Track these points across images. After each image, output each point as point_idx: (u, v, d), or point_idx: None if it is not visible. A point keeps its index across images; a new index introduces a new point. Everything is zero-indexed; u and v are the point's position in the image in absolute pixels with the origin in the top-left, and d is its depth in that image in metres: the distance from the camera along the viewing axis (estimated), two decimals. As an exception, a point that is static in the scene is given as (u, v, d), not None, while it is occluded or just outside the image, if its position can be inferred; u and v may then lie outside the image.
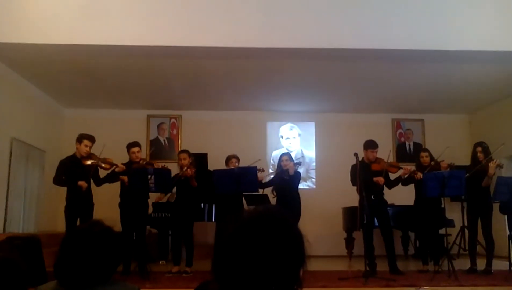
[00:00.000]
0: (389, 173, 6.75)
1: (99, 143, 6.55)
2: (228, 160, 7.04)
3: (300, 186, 7.41)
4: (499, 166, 6.46)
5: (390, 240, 6.54)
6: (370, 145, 6.68)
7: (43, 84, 8.45)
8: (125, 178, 6.49)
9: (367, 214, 6.17)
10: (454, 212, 8.43)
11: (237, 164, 6.92)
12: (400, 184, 6.82)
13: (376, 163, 6.59)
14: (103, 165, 6.55)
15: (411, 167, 6.94)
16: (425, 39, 6.34)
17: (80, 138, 6.49)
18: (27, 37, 6.16)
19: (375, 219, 6.59)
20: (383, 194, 6.66)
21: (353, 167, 6.43)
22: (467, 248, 6.72)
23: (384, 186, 6.62)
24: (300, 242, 1.18)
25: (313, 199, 9.03)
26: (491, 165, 6.37)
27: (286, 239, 1.15)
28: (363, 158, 6.66)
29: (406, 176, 6.71)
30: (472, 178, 6.38)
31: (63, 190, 6.49)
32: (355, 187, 6.34)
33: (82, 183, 6.31)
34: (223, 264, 1.15)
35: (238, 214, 1.21)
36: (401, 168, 6.76)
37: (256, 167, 6.47)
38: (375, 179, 6.43)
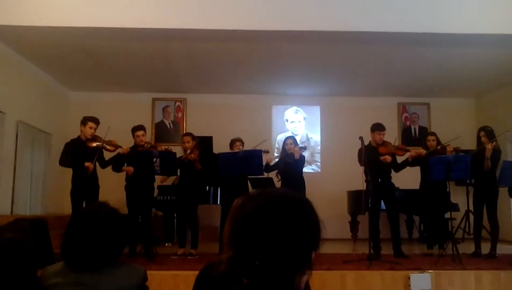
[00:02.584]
0: (396, 157, 6.75)
1: (104, 126, 6.56)
2: (232, 143, 7.04)
3: (305, 169, 7.42)
4: (495, 148, 6.44)
5: (396, 223, 6.55)
6: (377, 127, 6.68)
7: (48, 67, 8.44)
8: (130, 169, 6.51)
9: (373, 198, 6.18)
10: (459, 196, 8.43)
11: (241, 147, 6.93)
12: (407, 166, 6.82)
13: (383, 146, 6.58)
14: (108, 147, 6.57)
15: (418, 150, 6.91)
16: (431, 22, 6.27)
17: (85, 120, 6.51)
18: (32, 20, 6.13)
19: (382, 203, 6.60)
20: (390, 177, 6.66)
21: (361, 149, 6.45)
22: (471, 232, 6.73)
23: (392, 169, 6.62)
24: (317, 225, 1.22)
25: (317, 183, 9.04)
26: (488, 147, 6.37)
27: (303, 221, 1.18)
28: (370, 141, 6.66)
29: (411, 159, 6.71)
30: (477, 162, 6.36)
31: (69, 173, 6.53)
32: (360, 171, 6.33)
33: (88, 164, 6.34)
34: (241, 239, 1.17)
35: (256, 193, 1.23)
36: (408, 150, 6.74)
37: (261, 150, 6.47)
38: (382, 157, 6.43)
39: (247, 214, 1.18)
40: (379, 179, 6.48)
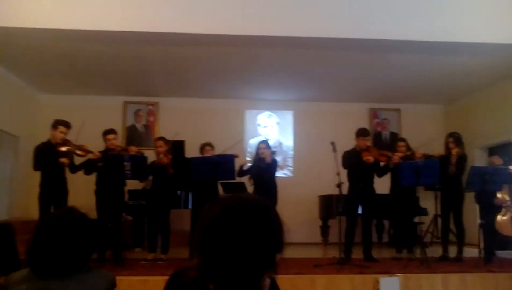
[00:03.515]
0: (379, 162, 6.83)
1: (75, 130, 6.46)
2: (202, 148, 7.02)
3: (277, 174, 7.45)
4: (458, 153, 6.59)
5: (368, 228, 6.64)
6: (362, 133, 6.77)
7: (17, 69, 8.27)
8: (97, 154, 6.43)
9: (352, 202, 6.27)
10: (428, 201, 8.57)
11: (211, 151, 6.91)
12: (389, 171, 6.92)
13: (367, 151, 6.66)
14: (78, 152, 6.47)
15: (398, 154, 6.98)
16: (402, 30, 6.38)
17: (56, 124, 6.39)
18: (1, 20, 6.00)
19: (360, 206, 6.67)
20: (373, 182, 6.74)
21: (346, 152, 6.53)
22: (439, 236, 6.86)
23: (374, 174, 6.70)
24: (279, 229, 1.23)
25: (289, 187, 9.07)
26: (453, 153, 6.51)
27: (265, 225, 1.20)
28: (355, 146, 6.74)
29: (393, 165, 6.78)
30: (444, 167, 6.49)
31: (37, 177, 6.39)
32: (332, 176, 6.36)
33: (64, 159, 6.25)
34: (206, 244, 1.18)
35: (221, 199, 1.25)
36: (391, 157, 6.82)
37: (233, 155, 6.48)
38: (365, 158, 6.50)
39: (211, 219, 1.20)
40: (361, 183, 6.56)
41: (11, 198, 8.33)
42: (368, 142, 6.76)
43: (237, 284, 1.16)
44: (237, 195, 1.27)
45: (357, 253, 6.52)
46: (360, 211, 6.66)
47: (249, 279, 1.18)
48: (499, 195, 6.53)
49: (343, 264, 5.72)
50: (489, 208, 6.61)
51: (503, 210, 6.48)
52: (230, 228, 1.16)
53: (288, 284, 4.93)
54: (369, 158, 6.53)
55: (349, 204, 6.44)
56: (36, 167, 6.36)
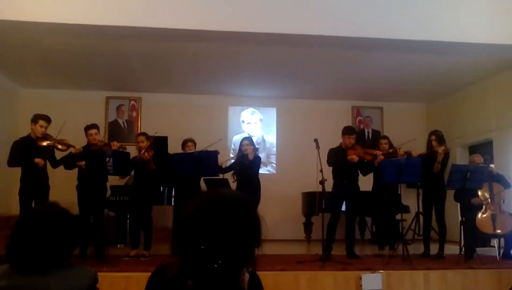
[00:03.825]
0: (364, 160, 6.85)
1: (56, 124, 6.38)
2: (184, 143, 6.99)
3: (261, 171, 7.45)
4: (446, 151, 6.66)
5: (352, 225, 6.67)
6: (348, 131, 6.78)
7: (-4, 62, 8.15)
8: (82, 163, 6.34)
9: (336, 199, 6.29)
10: (410, 199, 8.66)
11: (193, 148, 6.89)
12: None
13: (353, 149, 6.68)
14: (59, 146, 6.39)
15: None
16: (384, 28, 6.39)
17: (35, 119, 6.30)
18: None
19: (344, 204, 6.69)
20: (357, 180, 6.75)
21: (332, 150, 6.54)
22: (421, 233, 6.92)
23: (359, 172, 6.73)
24: (256, 223, 1.25)
25: (273, 184, 9.09)
26: (439, 151, 6.58)
27: (242, 219, 1.21)
28: (340, 143, 6.76)
29: (377, 164, 6.82)
30: (426, 165, 6.55)
31: (17, 172, 6.30)
32: (315, 173, 6.38)
33: (38, 160, 6.16)
34: (183, 239, 1.20)
35: (199, 194, 1.26)
36: (376, 155, 6.85)
37: (216, 151, 6.46)
38: (349, 157, 6.52)
39: (190, 214, 1.21)
40: (345, 181, 6.59)
41: (-10, 194, 8.20)
42: (354, 140, 6.78)
43: (215, 279, 1.17)
44: (215, 190, 1.28)
45: (339, 250, 6.55)
46: (343, 208, 6.70)
47: (227, 274, 1.18)
48: (479, 193, 6.61)
49: (325, 261, 5.74)
50: (470, 206, 6.69)
51: (483, 207, 6.57)
52: (208, 222, 1.17)
53: (272, 280, 4.93)
54: (353, 157, 6.55)
55: (333, 200, 6.46)
56: (10, 162, 6.24)
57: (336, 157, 6.53)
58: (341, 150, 6.69)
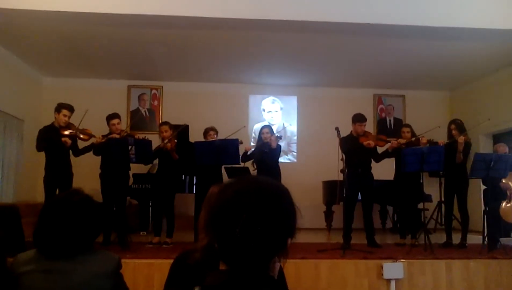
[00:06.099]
0: (377, 147, 6.81)
1: (79, 113, 6.45)
2: (206, 132, 7.01)
3: (281, 159, 7.44)
4: (466, 141, 6.56)
5: (370, 214, 6.63)
6: (358, 118, 6.72)
7: (21, 52, 8.25)
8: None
9: (351, 188, 6.24)
10: (432, 187, 8.58)
11: (215, 136, 6.90)
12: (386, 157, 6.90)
13: (365, 136, 6.63)
14: (81, 136, 6.47)
15: (399, 140, 6.95)
16: (408, 15, 6.32)
17: (59, 108, 6.39)
18: (4, 1, 5.96)
19: (359, 193, 6.65)
20: (370, 168, 6.71)
21: (343, 138, 6.50)
22: (443, 222, 6.85)
23: (372, 159, 6.68)
24: (292, 213, 1.25)
25: (293, 173, 9.08)
26: (460, 141, 6.48)
27: (278, 207, 1.21)
28: (351, 131, 6.72)
29: (391, 150, 6.77)
30: (448, 154, 6.46)
31: (42, 160, 6.40)
32: (336, 161, 6.36)
33: (66, 139, 6.25)
34: (219, 222, 1.19)
35: (238, 179, 1.27)
36: (389, 141, 6.79)
37: (237, 139, 6.46)
38: (365, 143, 6.48)
39: (226, 200, 1.20)
40: (359, 169, 6.54)
41: (16, 181, 8.36)
42: (364, 127, 6.72)
43: (248, 264, 1.17)
44: (251, 176, 1.29)
45: (360, 239, 6.53)
46: (359, 197, 6.67)
47: (259, 260, 1.19)
48: (503, 181, 6.49)
49: (346, 249, 5.73)
50: (494, 195, 6.59)
51: (508, 197, 6.46)
52: (244, 206, 1.16)
53: (293, 268, 4.95)
54: (370, 142, 6.51)
55: (347, 190, 6.40)
56: (39, 148, 6.36)
57: (348, 145, 6.43)
58: (352, 138, 6.63)
